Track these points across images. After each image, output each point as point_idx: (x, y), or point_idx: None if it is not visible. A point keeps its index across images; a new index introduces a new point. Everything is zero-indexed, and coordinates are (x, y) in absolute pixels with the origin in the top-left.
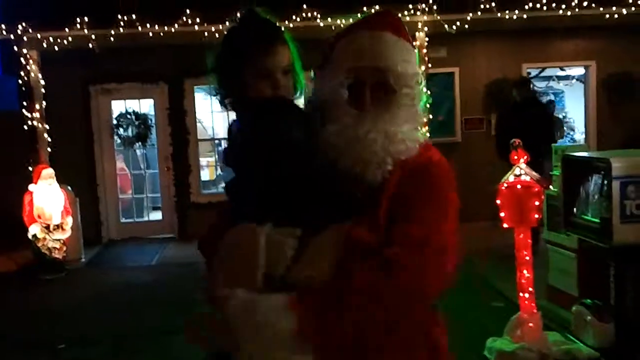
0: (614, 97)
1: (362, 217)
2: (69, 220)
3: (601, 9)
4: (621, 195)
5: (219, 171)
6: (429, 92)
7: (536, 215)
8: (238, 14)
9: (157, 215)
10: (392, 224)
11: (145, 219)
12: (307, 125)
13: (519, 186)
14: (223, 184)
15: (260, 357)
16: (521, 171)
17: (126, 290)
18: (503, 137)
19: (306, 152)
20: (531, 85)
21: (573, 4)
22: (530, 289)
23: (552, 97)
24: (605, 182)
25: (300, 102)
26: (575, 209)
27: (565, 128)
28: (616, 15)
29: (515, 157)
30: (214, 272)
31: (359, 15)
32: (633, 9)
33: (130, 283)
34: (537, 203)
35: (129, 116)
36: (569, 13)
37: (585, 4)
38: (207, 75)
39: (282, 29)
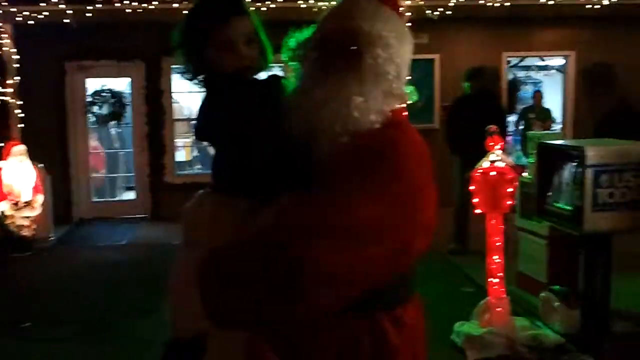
0: (592, 87)
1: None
2: (39, 198)
3: None
4: (594, 183)
5: (195, 152)
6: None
7: (509, 202)
8: None
9: (130, 195)
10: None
11: (118, 198)
12: (267, 100)
13: (492, 172)
14: (199, 165)
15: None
16: (496, 157)
17: (96, 270)
18: (455, 130)
19: (263, 126)
20: (484, 76)
21: None
22: (500, 274)
23: (539, 88)
24: (579, 170)
25: (268, 72)
26: (548, 197)
27: (552, 119)
28: (597, 6)
29: (491, 144)
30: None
31: None
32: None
33: (100, 262)
34: (510, 190)
35: (104, 94)
36: (550, 2)
37: None
38: (174, 54)
39: (242, 1)
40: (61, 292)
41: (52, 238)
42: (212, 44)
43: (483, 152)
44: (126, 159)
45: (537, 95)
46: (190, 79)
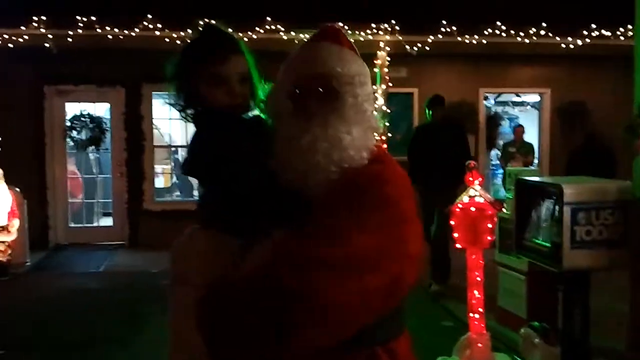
0: (566, 124)
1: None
2: (15, 223)
3: (557, 38)
4: (572, 221)
5: (174, 179)
6: (388, 111)
7: (489, 238)
8: (199, 28)
9: (107, 221)
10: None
11: (95, 224)
12: (257, 138)
13: (472, 208)
14: (178, 192)
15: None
16: (475, 192)
17: (72, 297)
18: (418, 160)
19: (253, 164)
20: (444, 104)
21: (531, 32)
22: (480, 310)
23: (519, 123)
24: (557, 207)
25: (257, 112)
26: (526, 233)
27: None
28: (572, 46)
29: (470, 179)
30: None
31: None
32: (588, 40)
33: (76, 289)
34: (490, 226)
35: (83, 119)
36: (527, 41)
37: (542, 32)
38: (165, 85)
39: (238, 40)
40: (37, 319)
41: (27, 263)
42: (206, 79)
43: (447, 182)
44: (104, 185)
45: (519, 130)
46: (180, 111)
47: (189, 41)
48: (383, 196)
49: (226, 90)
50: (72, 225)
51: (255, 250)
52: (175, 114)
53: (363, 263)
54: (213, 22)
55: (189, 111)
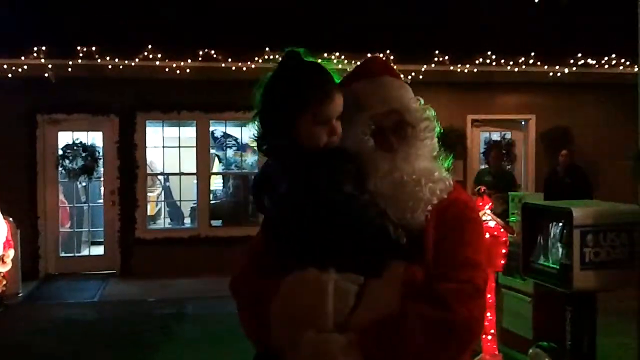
0: (550, 149)
1: (412, 263)
2: (11, 253)
3: (546, 67)
4: (581, 243)
5: (159, 207)
6: None
7: (502, 262)
8: (289, 58)
9: (98, 250)
10: (438, 265)
11: (85, 253)
12: (359, 176)
13: (486, 234)
14: (169, 220)
15: None
16: (487, 217)
17: (70, 328)
18: None
19: (357, 203)
20: None
21: (520, 61)
22: (492, 331)
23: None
24: (566, 230)
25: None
26: (533, 255)
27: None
28: (558, 74)
29: (481, 204)
30: (273, 318)
31: (320, 60)
32: (574, 68)
33: (73, 320)
34: (504, 251)
35: (76, 147)
36: (516, 69)
37: (531, 61)
38: (252, 119)
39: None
40: (37, 352)
41: (20, 294)
42: (308, 117)
43: None
44: (93, 213)
45: (495, 155)
46: (260, 146)
47: (282, 70)
48: (478, 221)
49: (328, 130)
50: (63, 254)
51: (375, 287)
52: (168, 142)
53: (486, 283)
54: (300, 50)
55: (272, 144)
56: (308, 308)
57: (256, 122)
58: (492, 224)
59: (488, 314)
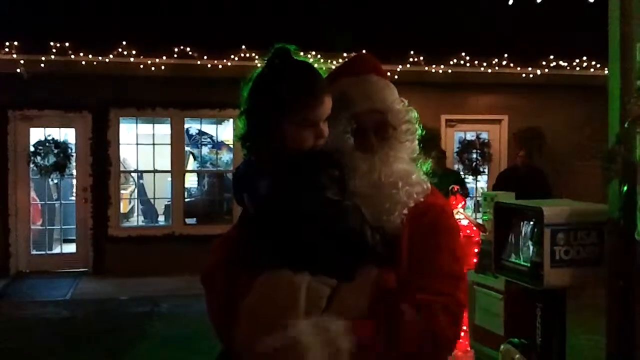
0: (523, 149)
1: (386, 267)
2: None
3: (518, 68)
4: (552, 241)
5: (132, 204)
6: None
7: (474, 260)
8: (278, 56)
9: (70, 248)
10: (416, 272)
11: (57, 251)
12: (342, 181)
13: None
14: (142, 217)
15: None
16: (460, 215)
17: (42, 326)
18: None
19: (337, 208)
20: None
21: (494, 62)
22: (465, 328)
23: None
24: (536, 229)
25: None
26: (505, 253)
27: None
28: (531, 75)
29: (454, 202)
30: (243, 314)
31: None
32: (546, 70)
33: (45, 318)
34: (476, 250)
35: (47, 144)
36: (489, 70)
37: (504, 63)
38: (238, 116)
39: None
40: (5, 350)
41: None
42: (292, 119)
43: None
44: (65, 211)
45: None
46: (245, 144)
47: (270, 68)
48: (456, 228)
49: (314, 132)
50: (34, 252)
51: (347, 290)
52: (143, 139)
53: (466, 295)
54: (290, 46)
55: (257, 144)
56: (280, 309)
57: (242, 120)
58: (464, 222)
59: None
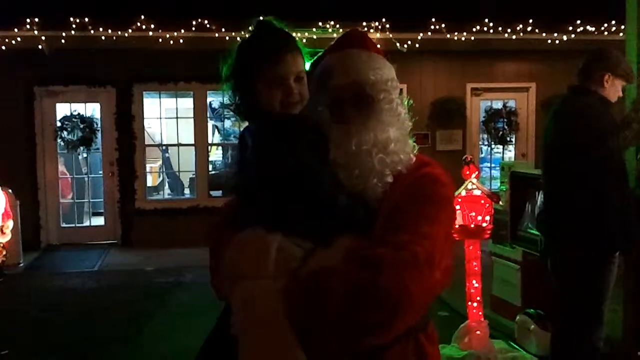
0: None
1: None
2: (10, 224)
3: (544, 34)
4: None
5: (161, 178)
6: None
7: (488, 230)
8: (254, 25)
9: (98, 221)
10: (383, 231)
11: (87, 224)
12: (322, 146)
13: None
14: (169, 191)
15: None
16: (472, 186)
17: (69, 297)
18: None
19: (316, 173)
20: None
21: (518, 28)
22: (478, 298)
23: None
24: None
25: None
26: (521, 223)
27: None
28: (557, 41)
29: (467, 172)
30: (222, 270)
31: (314, 29)
32: (573, 35)
33: (73, 289)
34: (488, 218)
35: (74, 119)
36: (514, 37)
37: (529, 29)
38: (222, 85)
39: (293, 37)
40: (37, 320)
41: (21, 264)
42: (262, 79)
43: None
44: (93, 185)
45: None
46: (235, 112)
47: (244, 39)
48: (444, 196)
49: (283, 90)
50: (64, 225)
51: (322, 253)
52: (166, 113)
53: (434, 259)
54: (268, 18)
55: (243, 109)
56: (249, 265)
57: (227, 86)
58: (477, 192)
59: (474, 282)
